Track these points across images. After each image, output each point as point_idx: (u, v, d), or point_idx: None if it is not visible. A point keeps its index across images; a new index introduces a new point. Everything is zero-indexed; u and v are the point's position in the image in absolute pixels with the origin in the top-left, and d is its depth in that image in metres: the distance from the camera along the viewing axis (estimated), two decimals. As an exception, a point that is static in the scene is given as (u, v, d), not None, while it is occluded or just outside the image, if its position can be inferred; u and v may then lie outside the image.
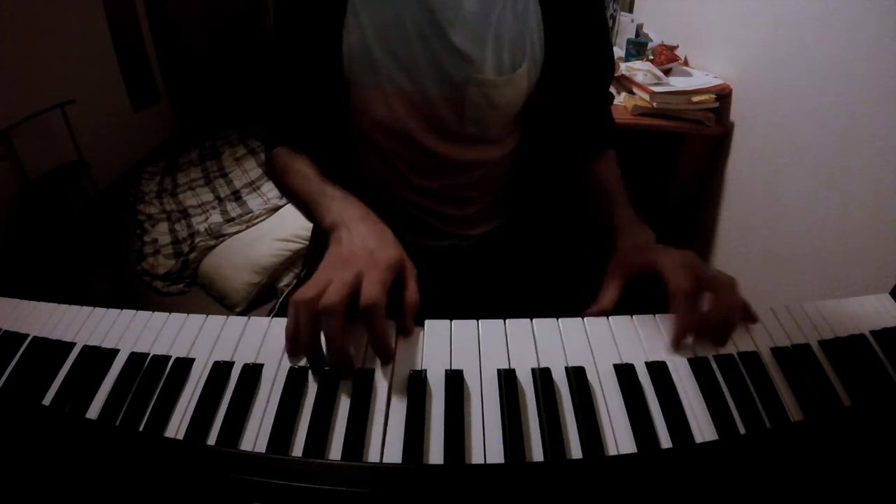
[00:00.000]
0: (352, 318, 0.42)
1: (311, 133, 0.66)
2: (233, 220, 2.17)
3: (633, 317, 0.47)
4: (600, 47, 0.69)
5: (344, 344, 0.41)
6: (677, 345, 0.44)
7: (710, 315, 0.44)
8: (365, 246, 0.47)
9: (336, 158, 0.66)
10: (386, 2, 0.57)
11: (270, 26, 0.67)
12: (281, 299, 0.74)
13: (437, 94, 0.60)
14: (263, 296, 1.85)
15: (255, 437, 0.37)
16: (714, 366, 0.43)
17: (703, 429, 0.38)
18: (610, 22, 2.20)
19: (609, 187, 0.67)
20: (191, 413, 0.39)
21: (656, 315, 0.47)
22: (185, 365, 0.42)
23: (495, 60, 0.59)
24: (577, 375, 0.41)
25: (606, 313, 0.48)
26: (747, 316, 0.46)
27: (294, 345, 0.42)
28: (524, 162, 0.69)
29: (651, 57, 1.65)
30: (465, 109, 0.61)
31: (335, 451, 0.36)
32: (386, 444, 0.37)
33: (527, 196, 0.73)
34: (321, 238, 0.80)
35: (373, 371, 0.41)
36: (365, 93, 0.60)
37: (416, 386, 0.40)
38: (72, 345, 0.45)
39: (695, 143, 1.52)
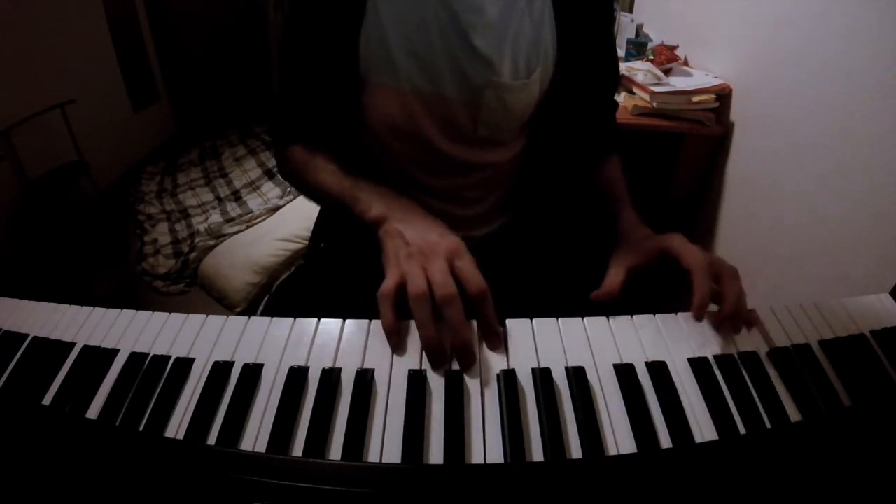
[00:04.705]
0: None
1: (319, 130, 0.66)
2: (233, 220, 2.16)
3: (633, 317, 0.47)
4: (608, 57, 0.71)
5: (469, 332, 0.42)
6: (700, 313, 0.45)
7: (725, 297, 0.46)
8: (436, 232, 0.49)
9: (342, 155, 0.66)
10: (410, 3, 0.57)
11: (271, 23, 0.67)
12: (273, 290, 0.73)
13: (455, 97, 0.60)
14: (263, 296, 1.85)
15: (255, 437, 0.37)
16: (714, 366, 0.43)
17: (703, 429, 0.38)
18: (610, 22, 2.20)
19: (615, 191, 0.70)
20: (191, 413, 0.39)
21: (657, 315, 0.47)
22: (185, 365, 0.42)
23: (512, 65, 0.60)
24: (577, 375, 0.41)
25: (614, 297, 0.51)
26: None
27: (398, 340, 0.43)
28: (530, 164, 0.70)
29: (651, 57, 1.65)
30: (481, 113, 0.61)
31: (335, 451, 0.36)
32: (385, 444, 0.37)
33: (531, 197, 0.74)
34: (323, 237, 0.81)
35: (373, 371, 0.41)
36: (380, 92, 0.60)
37: (416, 386, 0.40)
38: (72, 345, 0.45)
39: (695, 142, 1.52)
